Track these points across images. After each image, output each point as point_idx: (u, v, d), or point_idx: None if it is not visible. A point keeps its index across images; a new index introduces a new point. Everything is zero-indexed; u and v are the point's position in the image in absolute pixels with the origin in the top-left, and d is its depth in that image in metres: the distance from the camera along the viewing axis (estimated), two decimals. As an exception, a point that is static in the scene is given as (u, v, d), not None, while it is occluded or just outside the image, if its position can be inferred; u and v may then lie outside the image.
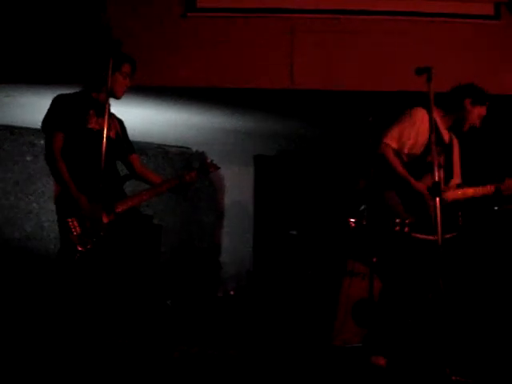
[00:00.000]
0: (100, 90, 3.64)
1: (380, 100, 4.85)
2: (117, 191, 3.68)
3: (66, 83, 4.49)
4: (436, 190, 3.25)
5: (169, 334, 4.53)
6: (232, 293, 6.65)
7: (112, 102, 3.57)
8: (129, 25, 4.82)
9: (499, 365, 3.71)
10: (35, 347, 3.59)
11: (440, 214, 3.20)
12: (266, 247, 6.90)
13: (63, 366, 3.25)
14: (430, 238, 3.33)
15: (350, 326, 4.54)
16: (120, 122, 3.89)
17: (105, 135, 3.31)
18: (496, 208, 4.53)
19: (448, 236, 3.53)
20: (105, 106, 3.39)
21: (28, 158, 6.26)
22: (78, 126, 3.57)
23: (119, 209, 3.57)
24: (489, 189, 3.79)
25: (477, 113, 3.79)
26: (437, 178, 3.27)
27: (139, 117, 5.74)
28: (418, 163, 3.65)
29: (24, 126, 6.07)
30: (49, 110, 3.60)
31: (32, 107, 5.36)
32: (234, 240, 7.20)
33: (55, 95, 3.63)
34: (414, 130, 3.66)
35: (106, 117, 3.35)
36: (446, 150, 3.81)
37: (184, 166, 6.82)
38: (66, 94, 3.65)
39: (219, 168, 4.04)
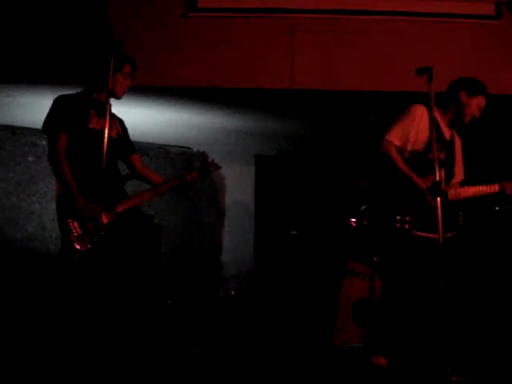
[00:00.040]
0: (101, 90, 3.64)
1: (380, 100, 4.85)
2: (118, 191, 3.68)
3: (66, 83, 4.49)
4: (436, 189, 3.25)
5: (169, 334, 4.53)
6: (233, 292, 6.65)
7: (113, 102, 3.58)
8: (130, 25, 4.83)
9: (500, 365, 3.71)
10: (36, 347, 3.60)
11: (441, 213, 3.21)
12: (267, 247, 6.91)
13: (63, 365, 3.26)
14: (432, 236, 3.33)
15: (349, 325, 4.55)
16: (121, 122, 3.89)
17: (106, 135, 3.32)
18: (497, 208, 4.52)
19: (449, 235, 3.53)
20: (106, 106, 3.40)
21: (30, 159, 6.27)
22: (80, 126, 3.57)
23: (120, 209, 3.58)
24: (494, 188, 3.78)
25: (475, 103, 3.77)
26: (438, 177, 3.27)
27: (140, 117, 5.74)
28: (420, 161, 3.64)
29: (24, 126, 6.08)
30: (51, 110, 3.61)
31: (32, 107, 5.37)
32: (235, 240, 7.20)
33: (56, 95, 3.64)
34: (414, 127, 3.66)
35: (107, 117, 3.36)
36: (448, 147, 3.80)
37: (185, 165, 6.82)
38: (67, 95, 3.65)
39: (220, 167, 4.05)
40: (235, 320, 5.47)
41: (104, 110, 3.41)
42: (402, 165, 3.61)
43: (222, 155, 5.34)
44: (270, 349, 4.39)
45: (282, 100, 5.27)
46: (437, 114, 3.67)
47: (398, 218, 3.51)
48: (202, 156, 6.89)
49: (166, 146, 6.99)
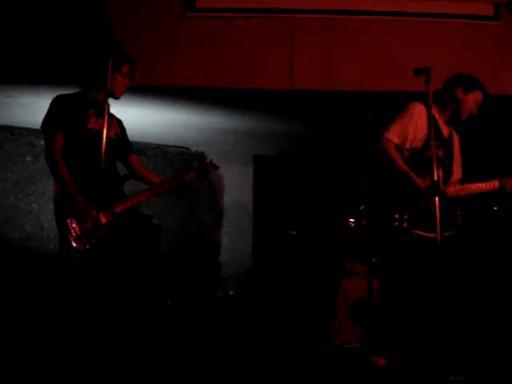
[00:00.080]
0: (99, 90, 3.64)
1: (380, 100, 4.85)
2: (116, 191, 3.68)
3: (65, 83, 4.49)
4: (435, 189, 3.25)
5: (169, 334, 4.54)
6: (231, 293, 6.65)
7: (112, 102, 3.57)
8: (129, 25, 4.82)
9: (499, 365, 3.71)
10: (35, 347, 3.60)
11: (439, 212, 3.21)
12: (266, 247, 6.91)
13: (63, 365, 3.25)
14: (431, 235, 3.34)
15: (348, 326, 4.55)
16: (119, 122, 3.89)
17: (104, 135, 3.31)
18: (495, 208, 4.53)
19: (447, 234, 3.53)
20: (104, 106, 3.39)
21: (28, 159, 6.27)
22: (78, 126, 3.57)
23: (118, 209, 3.57)
24: (494, 184, 3.78)
25: (472, 99, 3.76)
26: (436, 176, 3.27)
27: (139, 117, 5.74)
28: (419, 159, 3.64)
29: (24, 126, 6.08)
30: (48, 110, 3.60)
31: (32, 107, 5.36)
32: (234, 240, 7.20)
33: (55, 95, 3.64)
34: (413, 125, 3.66)
35: (106, 117, 3.35)
36: (446, 144, 3.80)
37: (183, 166, 6.82)
38: (66, 95, 3.65)
39: (219, 168, 4.04)
40: (234, 320, 5.47)
41: (102, 109, 3.41)
42: (401, 164, 3.61)
43: (221, 155, 5.35)
44: (269, 349, 4.39)
45: (282, 100, 5.26)
46: (435, 112, 3.67)
47: (396, 216, 3.51)
48: (201, 156, 6.90)
49: (164, 146, 6.99)
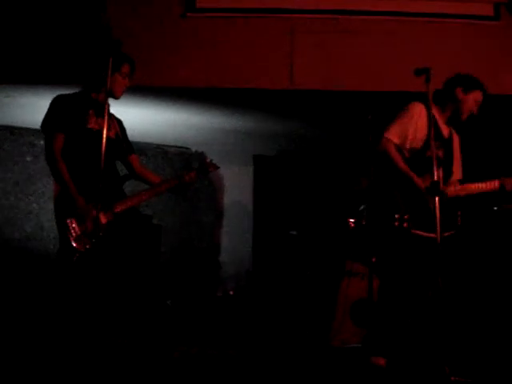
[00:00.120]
0: (99, 90, 3.64)
1: (380, 100, 4.85)
2: (116, 191, 3.68)
3: (65, 83, 4.49)
4: (435, 189, 3.25)
5: (169, 334, 4.54)
6: (231, 293, 6.65)
7: (112, 102, 3.58)
8: (129, 25, 4.82)
9: (499, 364, 3.71)
10: (35, 347, 3.60)
11: (439, 212, 3.21)
12: (266, 247, 6.91)
13: (63, 365, 3.25)
14: (431, 235, 3.34)
15: (348, 326, 4.55)
16: (119, 122, 3.89)
17: (104, 135, 3.31)
18: (495, 208, 4.53)
19: (447, 234, 3.53)
20: (104, 106, 3.39)
21: (28, 159, 6.27)
22: (78, 126, 3.57)
23: (118, 209, 3.57)
24: (494, 184, 3.78)
25: (472, 98, 3.76)
26: (436, 176, 3.27)
27: (138, 117, 5.74)
28: (419, 159, 3.64)
29: (24, 126, 6.08)
30: (48, 110, 3.60)
31: (32, 107, 5.36)
32: (234, 240, 7.20)
33: (55, 95, 3.64)
34: (413, 125, 3.66)
35: (106, 117, 3.35)
36: (446, 144, 3.80)
37: (183, 166, 6.82)
38: (66, 95, 3.65)
39: (219, 168, 4.04)
40: (234, 320, 5.47)
41: (102, 110, 3.41)
42: (401, 164, 3.61)
43: (221, 155, 5.35)
44: (269, 349, 4.39)
45: (282, 100, 5.26)
46: (435, 112, 3.68)
47: (396, 216, 3.51)
48: (201, 156, 6.90)
49: (164, 146, 6.99)
